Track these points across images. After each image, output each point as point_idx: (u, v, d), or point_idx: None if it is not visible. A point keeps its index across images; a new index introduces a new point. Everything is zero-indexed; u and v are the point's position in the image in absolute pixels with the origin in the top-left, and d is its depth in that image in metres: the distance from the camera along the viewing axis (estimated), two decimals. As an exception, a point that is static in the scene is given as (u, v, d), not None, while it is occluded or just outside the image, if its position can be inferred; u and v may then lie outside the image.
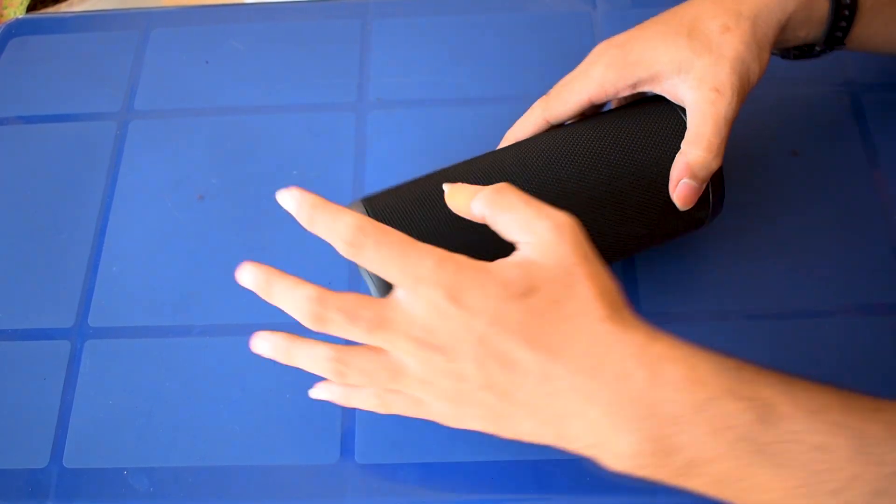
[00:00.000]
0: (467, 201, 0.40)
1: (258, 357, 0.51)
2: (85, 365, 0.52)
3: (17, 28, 0.68)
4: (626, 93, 0.47)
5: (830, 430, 0.33)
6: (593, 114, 0.49)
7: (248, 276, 0.41)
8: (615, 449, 0.35)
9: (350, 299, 0.38)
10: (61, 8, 1.31)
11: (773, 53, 0.49)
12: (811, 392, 0.34)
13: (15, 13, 1.28)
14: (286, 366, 0.51)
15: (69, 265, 0.56)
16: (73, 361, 0.52)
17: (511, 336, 0.35)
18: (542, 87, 0.50)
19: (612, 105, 0.52)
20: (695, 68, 0.44)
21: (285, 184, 0.57)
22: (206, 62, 0.64)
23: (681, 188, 0.44)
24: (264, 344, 0.42)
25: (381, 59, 0.63)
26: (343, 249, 0.38)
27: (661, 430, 0.34)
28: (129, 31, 0.67)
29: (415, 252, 0.37)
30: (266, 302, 0.53)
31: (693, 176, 0.44)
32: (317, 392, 0.44)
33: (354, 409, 0.49)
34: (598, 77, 0.47)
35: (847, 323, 0.48)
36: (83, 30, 0.68)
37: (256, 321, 0.53)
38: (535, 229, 0.37)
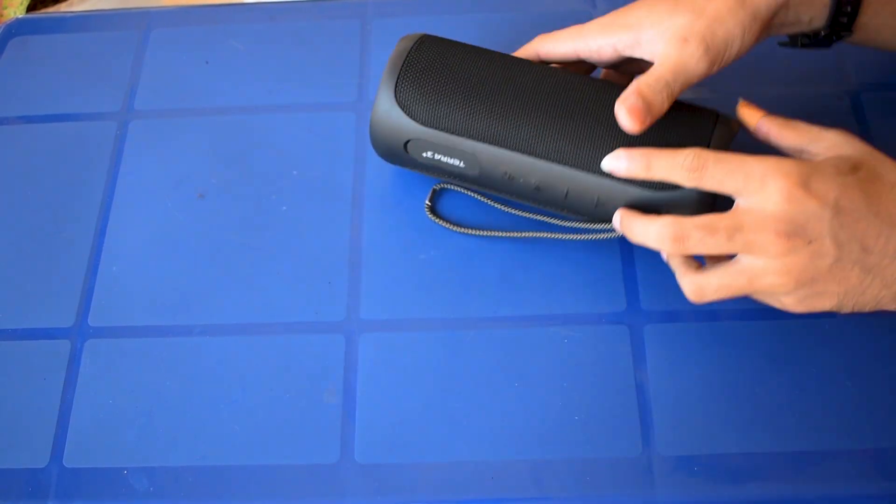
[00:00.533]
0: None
1: (258, 357, 0.52)
2: (85, 365, 0.52)
3: (17, 28, 0.68)
4: (608, 54, 0.50)
5: None
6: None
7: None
8: None
9: (704, 218, 0.43)
10: (61, 8, 1.31)
11: (783, 44, 0.49)
12: None
13: (15, 13, 1.28)
14: (286, 367, 0.51)
15: (69, 265, 0.56)
16: (73, 361, 0.52)
17: (857, 205, 0.41)
18: (542, 87, 0.50)
19: (601, 74, 0.54)
20: (672, 24, 0.46)
21: (285, 184, 0.58)
22: (206, 62, 0.64)
23: (627, 101, 0.45)
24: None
25: (381, 59, 0.63)
26: (687, 177, 0.43)
27: None
28: (129, 31, 0.67)
29: (752, 158, 0.42)
30: (266, 302, 0.53)
31: (641, 93, 0.45)
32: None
33: (354, 409, 0.49)
34: (587, 32, 0.50)
35: (847, 323, 0.48)
36: (83, 30, 0.68)
37: (256, 321, 0.53)
38: (826, 135, 0.45)
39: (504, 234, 0.54)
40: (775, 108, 0.59)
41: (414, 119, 0.50)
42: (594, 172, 0.48)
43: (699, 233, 0.42)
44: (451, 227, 0.54)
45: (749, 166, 0.42)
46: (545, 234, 0.53)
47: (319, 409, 0.49)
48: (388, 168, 0.58)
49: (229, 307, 0.53)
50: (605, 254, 0.54)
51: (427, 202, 0.55)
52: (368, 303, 0.53)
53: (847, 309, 0.44)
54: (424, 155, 0.51)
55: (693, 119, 0.49)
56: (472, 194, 0.55)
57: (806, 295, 0.43)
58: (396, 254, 0.54)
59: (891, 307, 0.44)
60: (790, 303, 0.44)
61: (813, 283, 0.42)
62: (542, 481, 0.47)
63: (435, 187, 0.56)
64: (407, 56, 0.51)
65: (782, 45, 0.52)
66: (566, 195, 0.49)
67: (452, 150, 0.50)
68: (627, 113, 0.45)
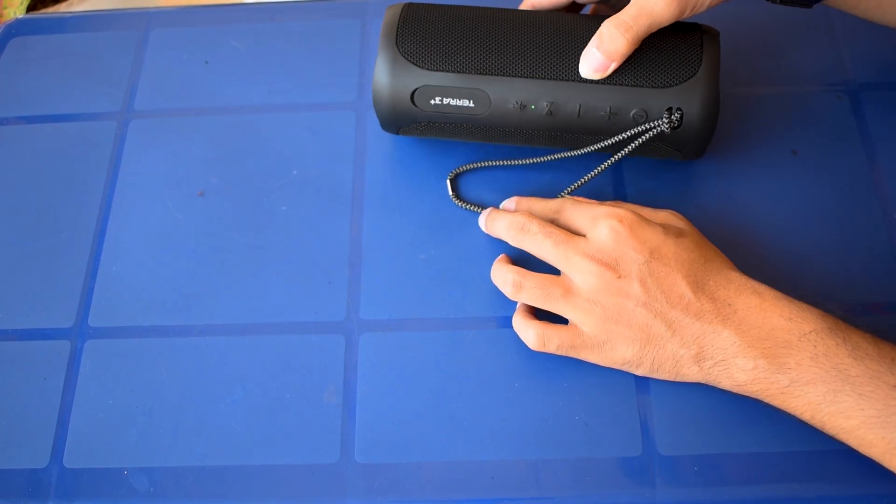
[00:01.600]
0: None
1: (258, 357, 0.52)
2: (85, 365, 0.52)
3: (17, 28, 0.68)
4: None
5: None
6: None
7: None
8: (740, 363, 0.44)
9: (549, 225, 0.49)
10: (61, 8, 1.31)
11: None
12: (892, 346, 0.42)
13: (15, 13, 1.28)
14: (286, 366, 0.51)
15: (69, 265, 0.56)
16: (73, 361, 0.52)
17: (668, 263, 0.46)
18: (542, 86, 0.50)
19: (590, 10, 0.58)
20: None
21: (285, 184, 0.58)
22: (206, 62, 0.64)
23: (588, 53, 0.49)
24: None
25: (381, 59, 0.63)
26: (545, 215, 0.51)
27: (775, 351, 0.43)
28: (129, 31, 0.67)
29: (600, 206, 0.49)
30: (266, 302, 0.53)
31: (599, 44, 0.48)
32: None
33: (354, 409, 0.49)
34: None
35: (847, 323, 0.48)
36: (83, 30, 0.68)
37: (256, 321, 0.53)
38: (660, 213, 0.51)
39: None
40: (775, 108, 0.59)
41: (420, 66, 0.51)
42: (603, 82, 0.50)
43: (537, 227, 0.49)
44: (478, 209, 0.55)
45: (594, 209, 0.49)
46: (562, 155, 0.54)
47: (319, 409, 0.49)
48: (388, 168, 0.58)
49: (229, 307, 0.53)
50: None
51: (450, 192, 0.56)
52: (368, 303, 0.53)
53: (647, 363, 0.46)
54: (433, 102, 0.52)
55: (681, 27, 0.51)
56: (486, 164, 0.56)
57: (609, 333, 0.46)
58: (396, 254, 0.54)
59: (690, 372, 0.46)
60: (592, 337, 0.47)
61: (616, 321, 0.46)
62: (542, 481, 0.47)
63: (450, 175, 0.56)
64: (401, 13, 0.52)
65: None
66: (579, 112, 0.50)
67: (461, 91, 0.51)
68: (588, 66, 0.49)
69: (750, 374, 0.43)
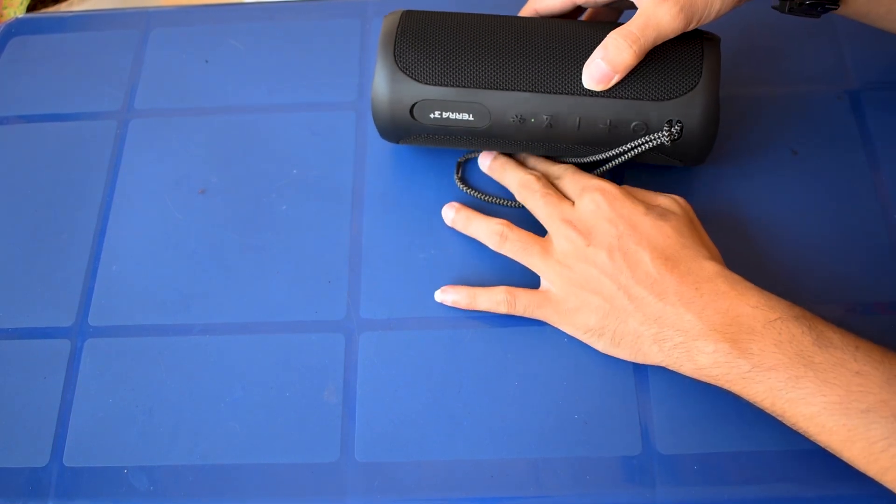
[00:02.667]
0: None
1: (258, 356, 0.52)
2: (85, 364, 0.52)
3: (17, 28, 0.68)
4: None
5: (869, 363, 0.41)
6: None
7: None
8: (699, 345, 0.44)
9: (549, 187, 0.52)
10: (61, 8, 1.31)
11: (774, 7, 0.51)
12: (861, 338, 0.43)
13: (15, 13, 1.28)
14: (286, 366, 0.51)
15: (69, 265, 0.56)
16: (73, 361, 0.52)
17: (640, 241, 0.47)
18: (542, 86, 0.50)
19: (587, 13, 0.57)
20: None
21: (285, 183, 0.58)
22: (206, 62, 0.64)
23: (591, 64, 0.48)
24: (449, 212, 0.55)
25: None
26: (522, 195, 0.53)
27: (738, 336, 0.43)
28: (129, 30, 0.67)
29: (587, 176, 0.51)
30: (266, 301, 0.53)
31: (605, 55, 0.48)
32: (441, 295, 0.52)
33: (354, 408, 0.49)
34: None
35: (847, 323, 0.48)
36: (83, 30, 0.68)
37: (256, 320, 0.53)
38: (662, 199, 0.52)
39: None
40: (775, 108, 0.59)
41: (418, 80, 0.50)
42: (603, 95, 0.49)
43: (539, 187, 0.52)
44: (485, 198, 0.56)
45: (588, 181, 0.51)
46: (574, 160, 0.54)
47: (319, 408, 0.49)
48: (388, 168, 0.58)
49: (229, 306, 0.53)
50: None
51: (456, 175, 0.57)
52: (368, 302, 0.53)
53: (608, 335, 0.48)
54: (432, 116, 0.51)
55: (681, 37, 0.50)
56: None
57: (574, 298, 0.48)
58: (396, 254, 0.54)
59: (651, 352, 0.46)
60: (559, 300, 0.49)
61: (582, 286, 0.48)
62: (542, 480, 0.47)
63: (459, 160, 0.57)
64: (399, 26, 0.52)
65: (774, 7, 0.52)
66: (579, 124, 0.50)
67: (461, 105, 0.51)
68: (590, 77, 0.48)
69: (710, 357, 0.44)
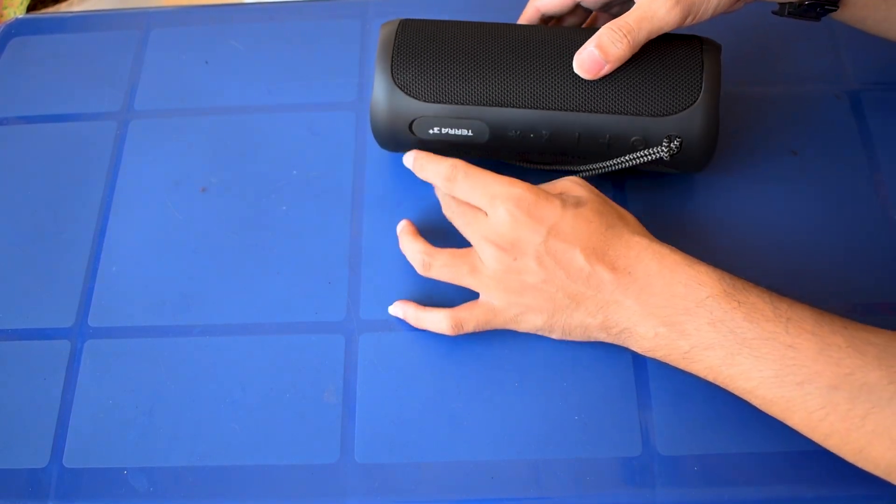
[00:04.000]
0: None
1: (258, 357, 0.52)
2: (85, 365, 0.52)
3: (17, 28, 0.68)
4: None
5: (801, 335, 0.41)
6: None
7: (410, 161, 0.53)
8: (641, 331, 0.45)
9: (463, 204, 0.50)
10: (61, 8, 1.31)
11: (774, 12, 0.51)
12: (793, 306, 0.43)
13: (15, 13, 1.28)
14: (286, 367, 0.51)
15: (69, 265, 0.56)
16: (73, 361, 0.52)
17: (566, 238, 0.46)
18: (542, 86, 0.50)
19: (591, 17, 0.57)
20: None
21: (285, 184, 0.58)
22: (206, 62, 0.64)
23: (584, 51, 0.48)
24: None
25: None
26: (441, 184, 0.50)
27: (674, 318, 0.44)
28: (129, 31, 0.67)
29: (495, 179, 0.48)
30: (266, 302, 0.53)
31: (598, 43, 0.48)
32: (392, 308, 0.52)
33: (354, 409, 0.49)
34: None
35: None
36: (83, 30, 0.68)
37: (256, 321, 0.53)
38: (559, 183, 0.50)
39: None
40: (775, 108, 0.59)
41: (416, 98, 0.50)
42: (602, 112, 0.49)
43: (455, 205, 0.50)
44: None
45: (490, 187, 0.48)
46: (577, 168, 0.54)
47: (319, 409, 0.49)
48: (388, 168, 0.58)
49: (229, 307, 0.53)
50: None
51: None
52: (368, 303, 0.53)
53: (558, 330, 0.48)
54: (431, 132, 0.51)
55: (681, 49, 0.50)
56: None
57: (517, 305, 0.48)
58: (396, 254, 0.54)
59: (600, 337, 0.47)
60: (502, 310, 0.49)
61: (521, 294, 0.47)
62: (542, 481, 0.47)
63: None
64: (395, 39, 0.51)
65: (774, 13, 0.52)
66: (578, 139, 0.50)
67: (459, 121, 0.51)
68: (580, 65, 0.48)
69: (652, 341, 0.45)
